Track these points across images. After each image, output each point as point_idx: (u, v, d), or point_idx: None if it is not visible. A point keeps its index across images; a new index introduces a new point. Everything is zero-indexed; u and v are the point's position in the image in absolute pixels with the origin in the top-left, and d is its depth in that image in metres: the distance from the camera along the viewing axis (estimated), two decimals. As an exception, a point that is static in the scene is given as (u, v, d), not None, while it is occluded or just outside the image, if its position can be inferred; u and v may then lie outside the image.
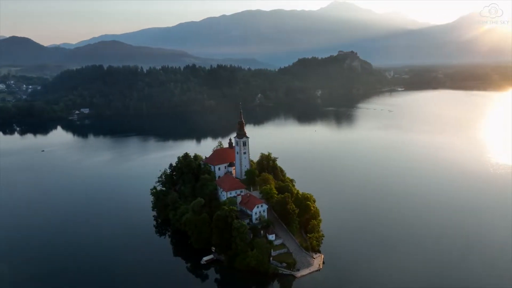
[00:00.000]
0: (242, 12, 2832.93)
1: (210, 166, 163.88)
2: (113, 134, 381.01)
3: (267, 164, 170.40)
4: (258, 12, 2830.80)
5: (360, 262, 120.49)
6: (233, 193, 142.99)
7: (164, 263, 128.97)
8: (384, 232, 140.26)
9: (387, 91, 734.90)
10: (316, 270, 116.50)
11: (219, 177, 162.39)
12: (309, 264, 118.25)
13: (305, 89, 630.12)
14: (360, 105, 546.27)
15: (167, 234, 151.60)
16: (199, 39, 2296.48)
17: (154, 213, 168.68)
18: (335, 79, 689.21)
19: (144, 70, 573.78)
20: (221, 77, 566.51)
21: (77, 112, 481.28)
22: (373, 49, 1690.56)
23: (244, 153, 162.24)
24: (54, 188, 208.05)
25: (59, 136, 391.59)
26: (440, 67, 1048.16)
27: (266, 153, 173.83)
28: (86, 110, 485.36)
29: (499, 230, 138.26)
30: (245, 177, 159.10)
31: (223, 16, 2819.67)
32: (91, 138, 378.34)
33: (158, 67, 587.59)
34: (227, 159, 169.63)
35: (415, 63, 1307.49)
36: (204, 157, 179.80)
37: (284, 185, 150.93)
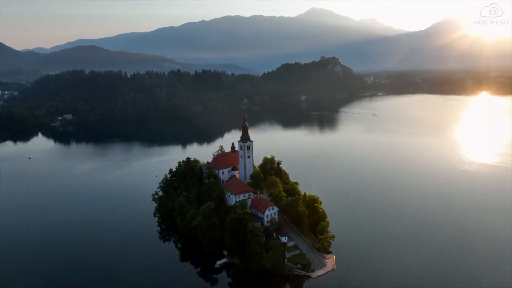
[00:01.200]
0: (222, 18, 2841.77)
1: (215, 170, 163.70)
2: (100, 140, 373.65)
3: (270, 167, 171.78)
4: (238, 18, 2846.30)
5: (371, 260, 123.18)
6: (241, 197, 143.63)
7: (176, 269, 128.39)
8: (389, 230, 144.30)
9: (368, 96, 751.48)
10: (331, 270, 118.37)
11: (223, 181, 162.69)
12: (323, 265, 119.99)
13: (289, 94, 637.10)
14: (345, 109, 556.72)
15: (173, 240, 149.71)
16: (178, 45, 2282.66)
17: (156, 219, 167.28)
18: (318, 84, 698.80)
19: (128, 75, 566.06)
20: (207, 82, 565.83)
21: (59, 118, 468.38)
22: (352, 54, 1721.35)
23: (248, 157, 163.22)
24: (48, 196, 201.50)
25: (42, 143, 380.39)
26: (417, 72, 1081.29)
27: (269, 157, 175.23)
28: (69, 116, 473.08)
29: (499, 229, 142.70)
30: (250, 180, 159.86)
31: (202, 21, 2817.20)
32: (78, 145, 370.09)
33: (142, 72, 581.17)
34: (231, 163, 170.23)
35: (392, 68, 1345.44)
36: (202, 162, 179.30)
37: (291, 187, 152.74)
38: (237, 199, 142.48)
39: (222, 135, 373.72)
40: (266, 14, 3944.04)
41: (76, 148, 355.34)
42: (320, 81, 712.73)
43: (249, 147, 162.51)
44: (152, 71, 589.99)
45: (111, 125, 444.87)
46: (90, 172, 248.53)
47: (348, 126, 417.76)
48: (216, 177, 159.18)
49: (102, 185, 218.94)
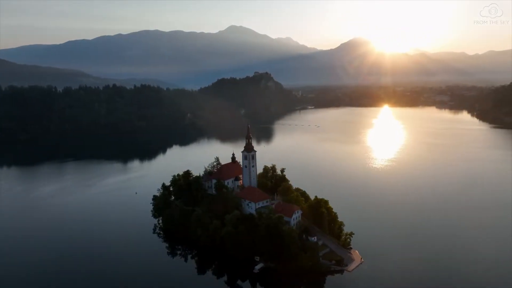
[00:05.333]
0: (140, 32, 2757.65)
1: (223, 181, 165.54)
2: (41, 160, 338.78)
3: (271, 175, 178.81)
4: (157, 33, 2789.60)
5: (390, 251, 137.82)
6: (260, 204, 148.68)
7: (214, 281, 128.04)
8: (393, 223, 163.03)
9: (299, 109, 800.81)
10: (360, 263, 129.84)
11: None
12: (352, 259, 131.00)
13: (229, 108, 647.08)
14: (286, 121, 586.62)
15: (193, 253, 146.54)
16: (94, 58, 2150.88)
17: (155, 235, 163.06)
18: (254, 98, 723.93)
19: (58, 90, 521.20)
20: (147, 97, 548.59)
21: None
22: (275, 71, 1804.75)
23: (253, 166, 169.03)
24: (20, 227, 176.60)
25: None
26: (335, 87, 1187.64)
27: (269, 165, 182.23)
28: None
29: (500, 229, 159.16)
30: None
31: (119, 35, 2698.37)
32: (15, 167, 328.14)
33: (74, 87, 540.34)
34: (233, 173, 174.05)
35: (312, 84, 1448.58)
36: (199, 174, 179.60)
37: (301, 192, 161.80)
38: (257, 206, 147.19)
39: (166, 149, 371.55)
40: (186, 29, 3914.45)
41: (17, 170, 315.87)
42: (256, 96, 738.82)
43: (253, 157, 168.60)
44: (85, 85, 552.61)
45: (47, 143, 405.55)
46: (55, 194, 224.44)
47: (299, 137, 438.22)
48: (226, 187, 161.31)
49: (79, 207, 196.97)
